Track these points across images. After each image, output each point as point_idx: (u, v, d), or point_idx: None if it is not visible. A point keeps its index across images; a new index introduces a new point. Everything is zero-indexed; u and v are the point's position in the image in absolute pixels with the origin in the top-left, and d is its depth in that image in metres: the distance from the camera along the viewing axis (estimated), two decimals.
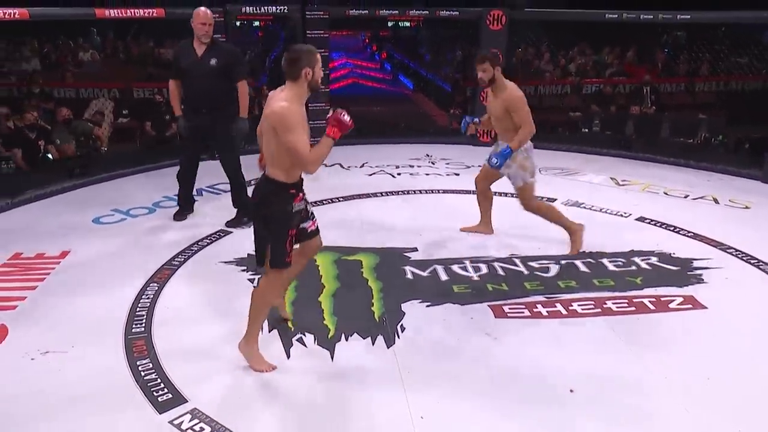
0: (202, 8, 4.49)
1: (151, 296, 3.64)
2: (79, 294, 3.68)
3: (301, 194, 2.78)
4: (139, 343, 3.14)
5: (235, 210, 4.86)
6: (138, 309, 3.48)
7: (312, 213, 2.99)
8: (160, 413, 2.60)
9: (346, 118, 2.65)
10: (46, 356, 3.02)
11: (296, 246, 2.92)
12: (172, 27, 7.62)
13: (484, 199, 4.62)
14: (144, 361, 2.98)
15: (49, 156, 6.15)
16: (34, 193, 5.32)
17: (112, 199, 5.32)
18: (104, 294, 3.66)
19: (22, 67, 8.51)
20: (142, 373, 2.88)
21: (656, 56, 9.43)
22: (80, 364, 2.97)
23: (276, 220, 2.71)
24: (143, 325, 3.32)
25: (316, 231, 3.02)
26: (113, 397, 2.72)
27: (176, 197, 5.08)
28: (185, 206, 5.01)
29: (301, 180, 2.78)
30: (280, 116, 2.55)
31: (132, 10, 4.85)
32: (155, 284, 3.79)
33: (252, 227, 2.85)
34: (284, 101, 2.58)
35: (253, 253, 2.93)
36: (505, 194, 5.66)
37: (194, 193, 5.11)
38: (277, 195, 2.70)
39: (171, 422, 2.54)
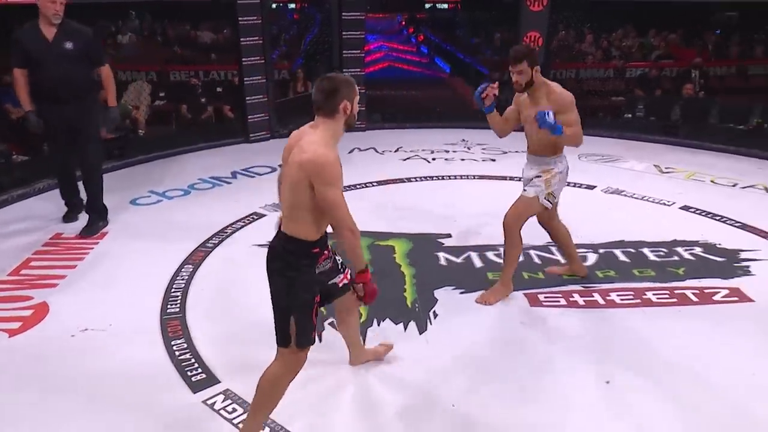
0: None
1: (186, 277, 3.68)
2: (116, 274, 3.75)
3: (326, 252, 2.33)
4: (173, 324, 3.18)
5: (88, 215, 4.37)
6: (173, 290, 3.53)
7: (343, 265, 2.51)
8: (194, 393, 2.64)
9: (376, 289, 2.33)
10: (85, 333, 3.10)
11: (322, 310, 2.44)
12: (207, 8, 7.64)
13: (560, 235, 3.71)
14: (178, 341, 3.02)
15: None
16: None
17: (149, 180, 5.40)
18: (140, 274, 3.72)
19: None
20: (177, 353, 2.92)
21: (705, 38, 9.03)
22: (117, 342, 3.03)
23: (299, 286, 2.24)
24: (178, 305, 3.36)
25: (349, 286, 2.52)
26: (149, 375, 2.77)
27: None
28: (72, 208, 4.57)
29: (326, 235, 2.31)
30: (321, 166, 2.08)
31: None
32: (190, 265, 3.83)
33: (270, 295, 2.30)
34: (322, 146, 2.11)
35: None
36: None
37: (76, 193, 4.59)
38: (299, 256, 2.23)
39: (204, 402, 2.58)
